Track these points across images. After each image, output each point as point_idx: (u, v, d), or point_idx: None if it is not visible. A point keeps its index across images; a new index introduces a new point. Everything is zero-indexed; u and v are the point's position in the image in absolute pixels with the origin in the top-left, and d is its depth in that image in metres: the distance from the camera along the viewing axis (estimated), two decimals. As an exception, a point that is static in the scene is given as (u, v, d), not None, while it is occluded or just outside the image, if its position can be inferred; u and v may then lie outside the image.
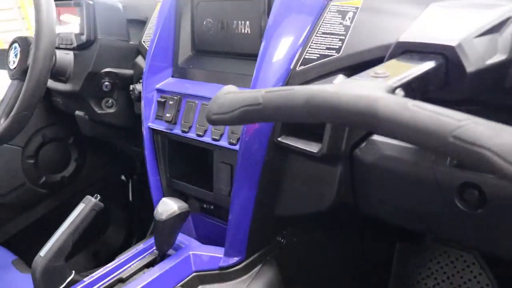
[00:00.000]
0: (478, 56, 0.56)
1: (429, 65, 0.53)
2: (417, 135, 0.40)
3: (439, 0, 0.70)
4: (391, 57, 0.60)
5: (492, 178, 0.60)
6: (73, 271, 0.93)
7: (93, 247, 1.75)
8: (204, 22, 1.01)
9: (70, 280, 0.90)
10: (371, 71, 0.50)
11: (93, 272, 0.90)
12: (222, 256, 0.90)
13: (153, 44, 1.04)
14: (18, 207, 1.55)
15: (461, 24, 0.60)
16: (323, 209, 0.85)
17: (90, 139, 1.49)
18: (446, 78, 0.55)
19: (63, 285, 0.89)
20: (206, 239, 1.04)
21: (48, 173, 1.58)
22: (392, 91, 0.46)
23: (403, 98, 0.42)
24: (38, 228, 1.60)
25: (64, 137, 1.58)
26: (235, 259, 0.90)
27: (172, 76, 1.06)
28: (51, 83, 1.25)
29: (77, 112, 1.32)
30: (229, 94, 0.58)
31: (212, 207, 1.03)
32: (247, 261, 0.91)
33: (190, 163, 1.05)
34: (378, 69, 0.50)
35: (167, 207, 0.87)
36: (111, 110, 1.23)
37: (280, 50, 0.81)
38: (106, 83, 1.18)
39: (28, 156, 1.51)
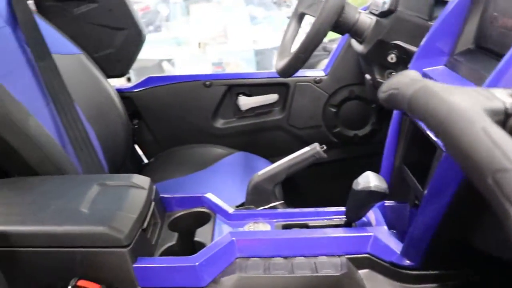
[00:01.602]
0: None
1: None
2: (466, 160, 0.33)
3: None
4: None
5: None
6: (282, 201, 1.06)
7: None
8: (492, 16, 0.89)
9: (274, 205, 1.04)
10: None
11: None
12: (398, 252, 0.87)
13: (437, 24, 0.99)
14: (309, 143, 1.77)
15: None
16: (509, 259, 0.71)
17: (389, 110, 1.53)
18: None
19: (267, 206, 1.04)
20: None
21: (343, 126, 1.71)
22: (504, 113, 0.37)
23: (481, 117, 0.34)
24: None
25: (368, 100, 1.65)
26: (407, 263, 0.85)
27: (445, 65, 0.99)
28: (353, 43, 1.35)
29: (366, 75, 1.39)
30: (399, 76, 0.55)
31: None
32: (420, 272, 0.85)
33: (423, 154, 1.00)
34: None
35: (366, 180, 0.88)
36: None
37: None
38: (392, 55, 1.18)
39: (331, 104, 1.67)
